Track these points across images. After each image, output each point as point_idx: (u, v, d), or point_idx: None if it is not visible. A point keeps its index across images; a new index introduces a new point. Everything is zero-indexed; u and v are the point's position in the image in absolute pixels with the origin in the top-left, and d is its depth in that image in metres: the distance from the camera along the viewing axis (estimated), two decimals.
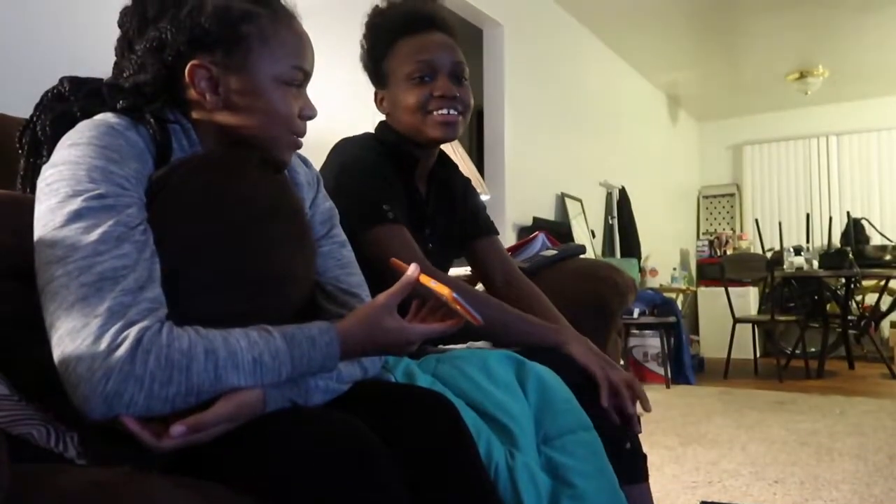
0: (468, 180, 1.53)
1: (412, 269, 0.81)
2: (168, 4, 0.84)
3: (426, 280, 0.81)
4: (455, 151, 2.56)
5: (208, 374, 0.70)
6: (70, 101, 0.85)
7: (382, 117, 1.36)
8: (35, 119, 0.85)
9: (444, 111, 1.24)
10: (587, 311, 1.47)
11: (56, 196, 0.72)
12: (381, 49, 1.29)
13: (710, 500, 1.91)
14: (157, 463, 0.72)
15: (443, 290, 0.80)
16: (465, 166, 2.61)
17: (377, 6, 1.32)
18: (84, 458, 0.72)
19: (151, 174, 0.80)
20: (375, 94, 1.34)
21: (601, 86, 5.27)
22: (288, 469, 0.69)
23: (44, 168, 0.76)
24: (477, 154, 4.49)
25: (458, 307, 0.81)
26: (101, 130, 0.77)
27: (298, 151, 0.95)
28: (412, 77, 1.25)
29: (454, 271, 1.55)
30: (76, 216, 0.71)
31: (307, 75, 0.90)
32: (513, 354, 1.07)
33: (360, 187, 1.18)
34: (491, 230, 1.49)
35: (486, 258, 1.45)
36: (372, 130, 1.36)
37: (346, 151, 1.28)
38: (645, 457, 1.20)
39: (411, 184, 1.32)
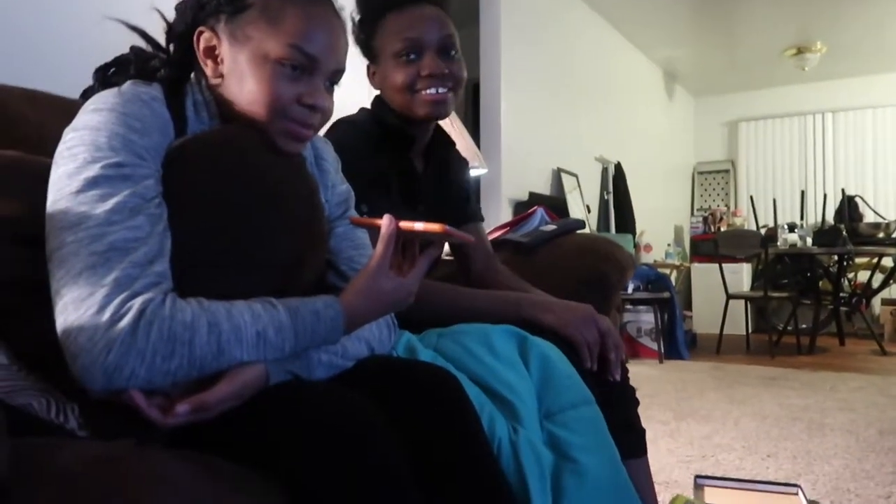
0: (466, 162, 1.51)
1: (386, 222, 0.78)
2: None
3: (409, 226, 0.78)
4: (453, 125, 2.53)
5: (211, 347, 0.69)
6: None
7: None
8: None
9: (433, 90, 1.21)
10: (587, 287, 1.46)
11: (74, 161, 0.72)
12: (370, 24, 1.26)
13: (704, 474, 1.92)
14: (160, 435, 0.71)
15: (433, 227, 0.77)
16: (463, 140, 2.58)
17: None
18: (85, 429, 0.71)
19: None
20: (368, 68, 1.31)
21: (598, 60, 5.23)
22: (290, 443, 0.69)
23: (65, 131, 0.75)
24: (473, 128, 4.46)
25: (453, 236, 0.78)
26: (126, 98, 0.76)
27: (321, 135, 0.92)
28: (399, 55, 1.22)
29: None
30: (92, 183, 0.70)
31: (313, 61, 0.82)
32: (515, 329, 1.07)
33: None
34: (477, 217, 1.49)
35: (470, 245, 1.43)
36: (369, 105, 1.34)
37: (337, 141, 1.25)
38: (644, 431, 1.21)
39: (407, 161, 1.30)
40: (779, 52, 5.95)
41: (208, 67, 0.83)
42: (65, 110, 0.88)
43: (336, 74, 0.86)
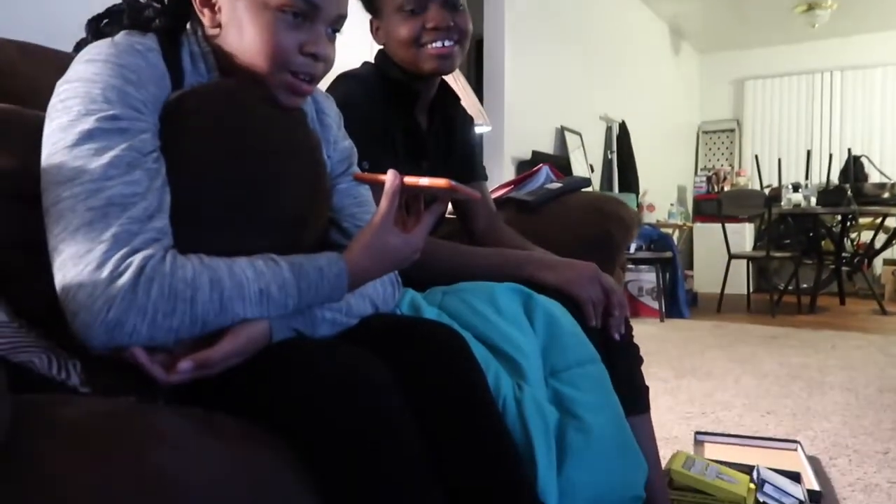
0: (471, 118, 1.48)
1: (391, 178, 0.76)
2: None
3: (414, 181, 0.76)
4: (457, 82, 2.49)
5: (213, 304, 0.68)
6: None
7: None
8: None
9: (439, 43, 1.18)
10: (592, 246, 1.45)
11: (68, 114, 0.70)
12: None
13: (704, 431, 1.94)
14: (162, 392, 0.71)
15: (439, 182, 0.75)
16: (467, 98, 2.54)
17: None
18: (87, 386, 0.70)
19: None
20: (371, 22, 1.27)
21: (604, 15, 5.12)
22: (293, 400, 0.68)
23: (58, 83, 0.73)
24: (476, 85, 4.39)
25: (459, 192, 0.76)
26: (121, 48, 0.74)
27: (322, 90, 0.88)
28: (403, 8, 1.18)
29: None
30: (87, 136, 0.68)
31: (314, 7, 0.79)
32: (520, 287, 1.06)
33: None
34: (482, 176, 1.47)
35: (474, 202, 1.42)
36: (372, 59, 1.30)
37: (340, 96, 1.22)
38: (647, 388, 1.21)
39: (411, 117, 1.28)
40: (789, 8, 5.82)
41: (205, 17, 0.81)
42: (58, 63, 0.85)
43: (338, 21, 0.83)
